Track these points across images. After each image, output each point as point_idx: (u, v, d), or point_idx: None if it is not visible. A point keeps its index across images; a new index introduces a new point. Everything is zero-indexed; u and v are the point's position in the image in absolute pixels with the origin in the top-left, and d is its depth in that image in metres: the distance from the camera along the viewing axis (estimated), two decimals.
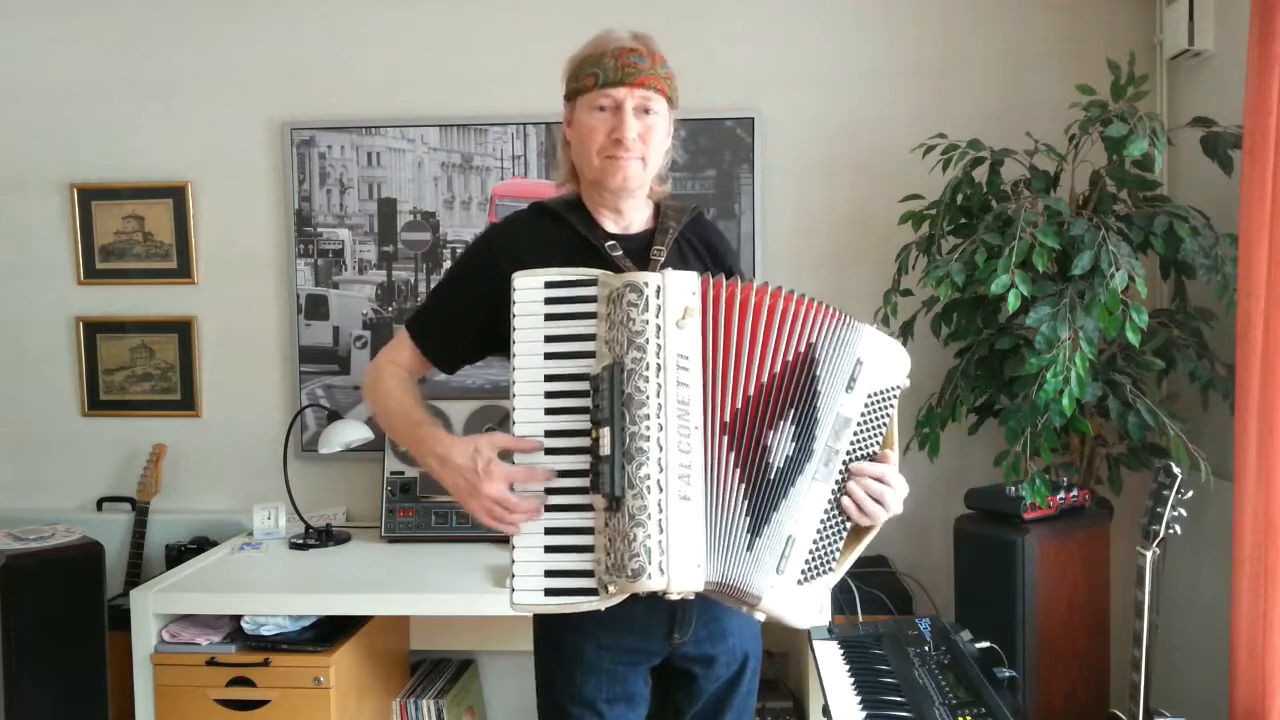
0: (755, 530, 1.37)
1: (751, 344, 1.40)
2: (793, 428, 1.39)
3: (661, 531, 1.31)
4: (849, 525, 1.42)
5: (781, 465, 1.38)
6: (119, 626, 2.54)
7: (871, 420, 1.43)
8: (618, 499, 1.33)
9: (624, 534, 1.32)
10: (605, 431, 1.35)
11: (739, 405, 1.38)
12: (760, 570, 1.36)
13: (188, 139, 3.06)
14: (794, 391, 1.40)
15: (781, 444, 1.38)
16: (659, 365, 1.35)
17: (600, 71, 1.50)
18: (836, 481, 1.40)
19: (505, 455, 1.42)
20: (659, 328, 1.36)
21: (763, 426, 1.39)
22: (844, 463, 1.40)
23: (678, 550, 1.32)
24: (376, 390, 1.61)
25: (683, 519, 1.33)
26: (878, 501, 1.41)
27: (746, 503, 1.37)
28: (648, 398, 1.34)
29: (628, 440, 1.33)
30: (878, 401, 1.43)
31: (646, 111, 1.52)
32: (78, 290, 3.12)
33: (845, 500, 1.40)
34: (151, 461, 3.02)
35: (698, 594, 1.40)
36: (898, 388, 1.45)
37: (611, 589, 1.33)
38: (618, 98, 1.50)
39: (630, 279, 1.39)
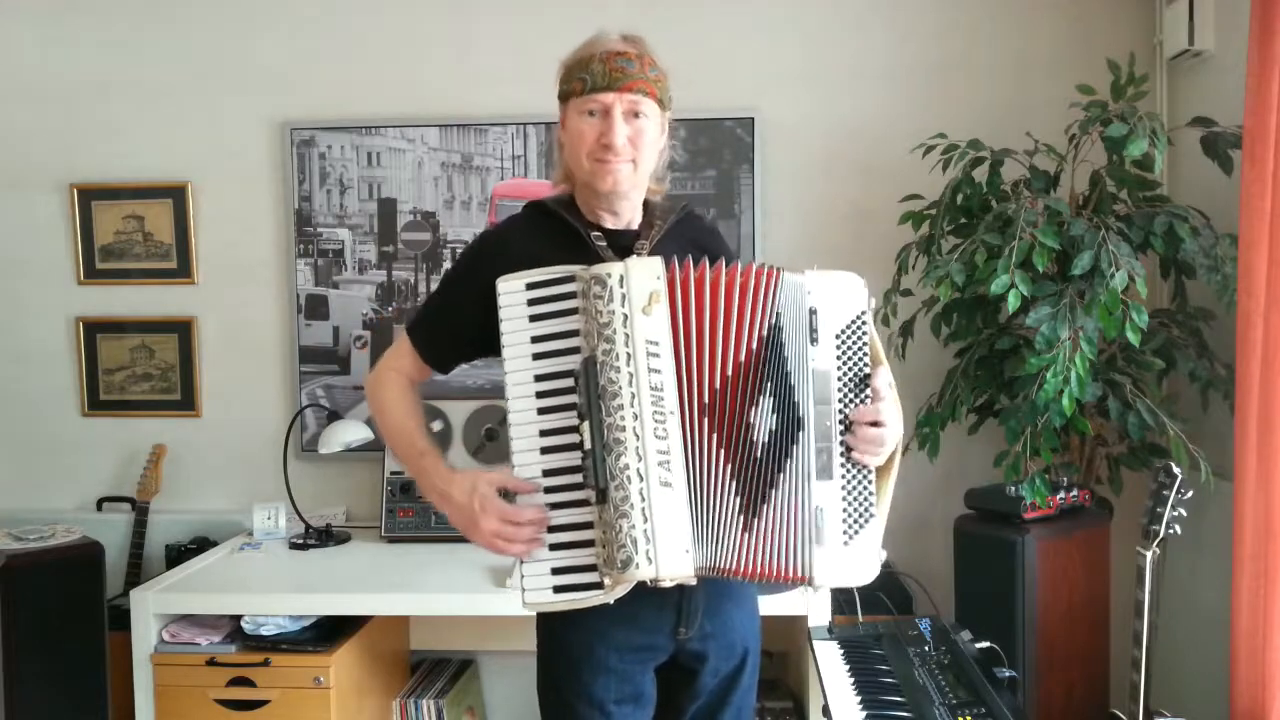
0: (751, 510, 1.37)
1: (726, 322, 1.39)
2: (770, 400, 1.39)
3: (646, 520, 1.33)
4: (870, 472, 1.41)
5: (766, 440, 1.38)
6: (119, 626, 2.54)
7: (850, 357, 1.41)
8: (603, 491, 1.35)
9: (612, 526, 1.34)
10: (586, 425, 1.37)
11: (717, 386, 1.39)
12: (793, 550, 1.36)
13: (188, 139, 3.06)
14: (767, 364, 1.40)
15: (763, 418, 1.39)
16: (629, 354, 1.37)
17: (588, 76, 1.49)
18: (842, 437, 1.40)
19: (507, 494, 1.46)
20: (626, 317, 1.38)
21: (744, 404, 1.39)
22: (842, 415, 1.40)
23: (664, 537, 1.34)
24: (381, 400, 1.64)
25: (666, 506, 1.35)
26: (879, 444, 1.41)
27: (735, 483, 1.38)
28: (620, 388, 1.36)
29: (606, 432, 1.36)
30: (849, 337, 1.41)
31: (636, 115, 1.51)
32: (78, 290, 3.12)
33: (854, 453, 1.40)
34: (151, 461, 3.02)
35: (705, 582, 1.41)
36: (864, 313, 1.43)
37: (607, 581, 1.35)
38: (606, 103, 1.49)
39: (595, 271, 1.40)
